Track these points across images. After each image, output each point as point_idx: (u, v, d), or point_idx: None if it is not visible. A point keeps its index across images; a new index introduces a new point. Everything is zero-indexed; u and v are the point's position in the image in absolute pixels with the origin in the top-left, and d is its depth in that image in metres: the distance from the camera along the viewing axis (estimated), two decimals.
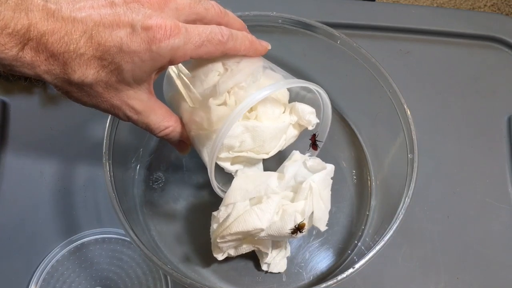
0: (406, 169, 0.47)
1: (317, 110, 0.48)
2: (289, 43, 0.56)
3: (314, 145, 0.51)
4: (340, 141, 0.60)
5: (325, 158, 0.58)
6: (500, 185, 0.58)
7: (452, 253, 0.55)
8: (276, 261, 0.51)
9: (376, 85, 0.52)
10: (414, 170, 0.47)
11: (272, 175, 0.47)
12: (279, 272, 0.51)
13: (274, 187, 0.46)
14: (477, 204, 0.57)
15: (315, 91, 0.46)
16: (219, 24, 0.41)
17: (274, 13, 0.52)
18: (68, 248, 0.52)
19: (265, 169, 0.51)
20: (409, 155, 0.48)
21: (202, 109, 0.43)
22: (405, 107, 0.50)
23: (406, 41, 0.66)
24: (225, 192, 0.47)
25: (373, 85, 0.52)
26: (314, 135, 0.50)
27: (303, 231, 0.45)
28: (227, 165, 0.46)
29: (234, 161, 0.47)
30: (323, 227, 0.46)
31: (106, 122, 0.47)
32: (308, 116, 0.47)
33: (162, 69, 0.39)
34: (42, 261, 0.51)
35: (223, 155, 0.45)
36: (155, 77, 0.40)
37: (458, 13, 0.72)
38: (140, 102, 0.40)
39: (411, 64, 0.65)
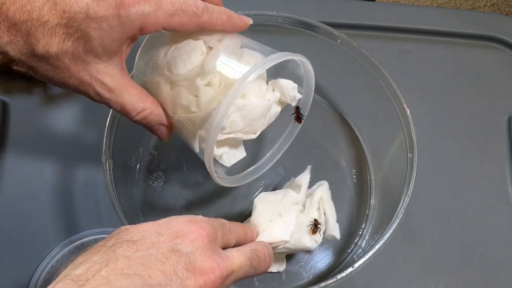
0: (406, 169, 0.47)
1: (296, 81, 0.47)
2: (289, 42, 0.56)
3: (298, 118, 0.51)
4: (340, 140, 0.60)
5: (325, 158, 0.58)
6: (500, 185, 0.58)
7: (452, 253, 0.55)
8: (275, 260, 0.51)
9: (376, 84, 0.52)
10: (413, 170, 0.47)
11: (288, 191, 0.49)
12: (279, 271, 0.51)
13: (295, 198, 0.47)
14: (477, 204, 0.57)
15: (298, 61, 0.45)
16: None
17: (274, 12, 0.52)
18: (68, 248, 0.52)
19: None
20: (408, 155, 0.48)
21: (188, 90, 0.41)
22: (405, 106, 0.50)
23: (406, 41, 0.66)
24: (224, 179, 0.47)
25: (373, 84, 0.52)
26: (298, 107, 0.50)
27: (319, 235, 0.46)
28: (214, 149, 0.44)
29: (219, 144, 0.46)
30: (338, 235, 0.48)
31: (106, 122, 0.47)
32: (292, 91, 0.46)
33: (133, 40, 0.37)
34: (42, 261, 0.51)
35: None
36: (127, 50, 0.38)
37: (458, 13, 0.72)
38: (112, 78, 0.37)
39: (411, 64, 0.65)
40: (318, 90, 0.61)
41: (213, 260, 0.33)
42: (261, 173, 0.52)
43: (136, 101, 0.39)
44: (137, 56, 0.44)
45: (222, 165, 0.47)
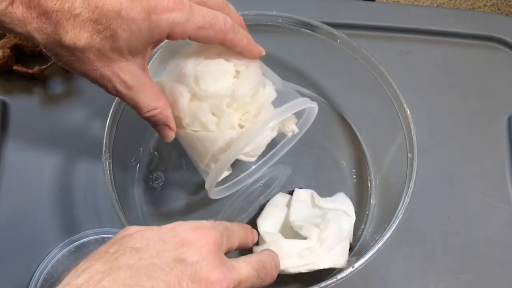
0: (406, 169, 0.48)
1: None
2: (289, 42, 0.56)
3: None
4: (340, 140, 0.60)
5: (325, 157, 0.58)
6: (500, 185, 0.58)
7: (452, 253, 0.55)
8: None
9: (376, 84, 0.52)
10: (413, 170, 0.47)
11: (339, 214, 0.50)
12: None
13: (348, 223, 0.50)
14: (477, 204, 0.57)
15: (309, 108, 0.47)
16: None
17: (274, 12, 0.52)
18: (68, 248, 0.52)
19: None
20: (408, 155, 0.48)
21: (212, 108, 0.42)
22: (405, 106, 0.50)
23: (406, 41, 0.66)
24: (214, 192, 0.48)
25: (373, 84, 0.52)
26: None
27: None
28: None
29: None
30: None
31: (106, 121, 0.47)
32: (292, 125, 0.48)
33: (158, 43, 0.38)
34: (42, 261, 0.51)
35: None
36: (150, 52, 0.39)
37: (458, 13, 0.72)
38: (132, 76, 0.38)
39: (411, 64, 0.65)
40: (318, 90, 0.61)
41: (220, 270, 0.32)
42: (248, 182, 0.55)
43: (150, 100, 0.40)
44: (155, 56, 0.45)
45: None
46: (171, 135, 0.43)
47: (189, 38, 0.38)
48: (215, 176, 0.43)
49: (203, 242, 0.32)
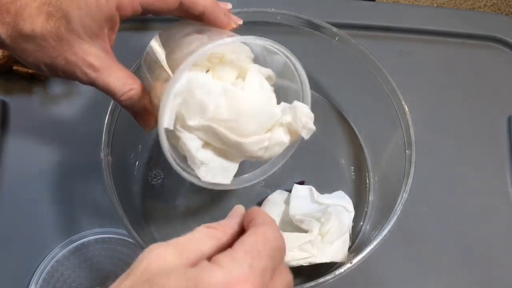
0: (404, 165, 0.48)
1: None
2: (288, 41, 0.56)
3: None
4: (338, 138, 0.60)
5: (324, 155, 0.58)
6: (500, 185, 0.58)
7: (452, 253, 0.55)
8: None
9: (375, 81, 0.52)
10: (412, 167, 0.47)
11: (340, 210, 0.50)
12: None
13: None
14: (477, 204, 0.57)
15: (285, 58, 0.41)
16: None
17: (273, 9, 0.52)
18: (68, 248, 0.52)
19: None
20: (407, 151, 0.48)
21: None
22: (403, 103, 0.50)
23: (406, 41, 0.66)
24: (186, 171, 0.42)
25: (371, 81, 0.52)
26: None
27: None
28: (193, 143, 0.39)
29: (204, 145, 0.41)
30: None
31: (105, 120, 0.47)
32: (305, 118, 0.40)
33: (113, 24, 0.38)
34: (42, 261, 0.51)
35: (194, 121, 0.38)
36: (111, 35, 0.39)
37: (458, 13, 0.72)
38: (97, 58, 0.38)
39: (411, 64, 0.65)
40: (317, 87, 0.61)
41: None
42: (245, 185, 0.48)
43: (123, 81, 0.39)
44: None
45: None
46: (151, 123, 0.42)
47: (142, 7, 0.37)
48: (161, 124, 0.37)
49: None
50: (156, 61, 0.41)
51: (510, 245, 0.55)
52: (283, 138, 0.41)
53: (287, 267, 0.31)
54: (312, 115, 0.42)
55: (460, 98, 0.64)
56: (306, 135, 0.42)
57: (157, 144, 0.57)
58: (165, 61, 0.40)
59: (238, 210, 0.35)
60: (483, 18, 0.70)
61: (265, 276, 0.28)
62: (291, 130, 0.41)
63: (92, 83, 0.39)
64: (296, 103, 0.41)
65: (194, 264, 0.28)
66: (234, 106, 0.38)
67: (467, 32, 0.67)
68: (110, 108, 0.48)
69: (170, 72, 0.39)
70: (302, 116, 0.40)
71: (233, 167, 0.43)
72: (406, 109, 0.49)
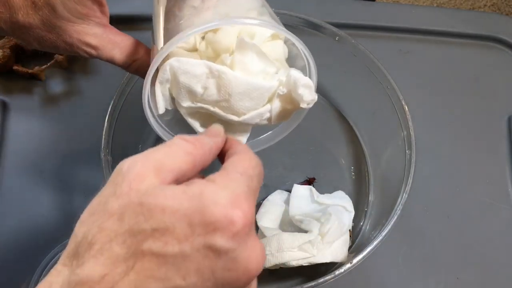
0: (404, 165, 0.48)
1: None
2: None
3: None
4: (338, 137, 0.60)
5: (324, 155, 0.58)
6: (500, 185, 0.58)
7: (452, 253, 0.55)
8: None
9: (375, 81, 0.52)
10: (412, 166, 0.47)
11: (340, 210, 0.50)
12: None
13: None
14: (477, 204, 0.57)
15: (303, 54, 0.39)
16: None
17: (272, 9, 0.52)
18: None
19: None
20: (407, 151, 0.48)
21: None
22: (403, 103, 0.50)
23: (406, 41, 0.66)
24: (169, 133, 0.40)
25: (371, 81, 0.52)
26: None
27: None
28: (194, 123, 0.39)
29: (203, 119, 0.39)
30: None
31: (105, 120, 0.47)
32: (302, 89, 0.37)
33: None
34: (42, 261, 0.51)
35: (185, 103, 0.37)
36: (101, 8, 0.38)
37: (458, 13, 0.72)
38: (94, 36, 0.38)
39: (411, 64, 0.65)
40: (317, 87, 0.61)
41: (256, 254, 0.27)
42: (259, 148, 0.44)
43: (126, 54, 0.39)
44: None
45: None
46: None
47: None
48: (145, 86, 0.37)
49: (239, 226, 0.26)
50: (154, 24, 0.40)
51: (510, 245, 0.55)
52: (286, 106, 0.39)
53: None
54: (311, 84, 0.38)
55: (460, 98, 0.64)
56: (306, 105, 0.38)
57: (157, 144, 0.57)
58: (158, 26, 0.39)
59: (217, 130, 0.35)
60: (483, 18, 0.70)
61: (256, 196, 0.30)
62: (292, 99, 0.39)
63: (97, 58, 0.39)
64: (292, 72, 0.38)
65: (175, 182, 0.28)
66: (223, 86, 0.36)
67: (467, 32, 0.67)
68: (110, 108, 0.48)
69: (160, 42, 0.38)
70: (300, 87, 0.37)
71: (245, 134, 0.41)
72: (406, 108, 0.49)
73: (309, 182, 0.56)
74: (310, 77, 0.40)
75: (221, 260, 0.26)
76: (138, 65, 0.40)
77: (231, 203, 0.26)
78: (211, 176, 0.29)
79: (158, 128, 0.39)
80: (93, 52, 0.39)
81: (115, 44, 0.39)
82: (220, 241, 0.26)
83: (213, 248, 0.26)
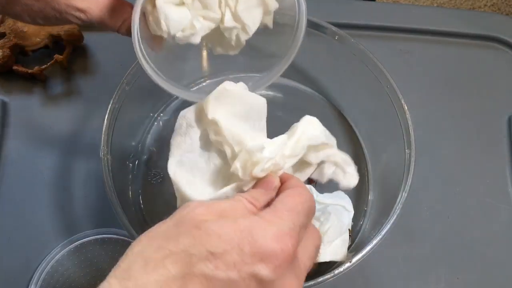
0: (404, 164, 0.48)
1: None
2: None
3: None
4: (338, 137, 0.59)
5: None
6: (500, 185, 0.58)
7: (452, 253, 0.55)
8: None
9: (374, 81, 0.52)
10: (411, 165, 0.47)
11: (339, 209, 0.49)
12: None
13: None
14: (477, 204, 0.57)
15: None
16: None
17: None
18: (68, 248, 0.52)
19: None
20: (406, 150, 0.48)
21: None
22: (403, 102, 0.50)
23: (406, 41, 0.66)
24: (156, 72, 0.40)
25: (371, 81, 0.52)
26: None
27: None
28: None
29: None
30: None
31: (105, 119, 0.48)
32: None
33: None
34: (42, 261, 0.51)
35: None
36: None
37: (458, 13, 0.72)
38: (81, 0, 0.38)
39: (411, 64, 0.65)
40: (316, 86, 0.61)
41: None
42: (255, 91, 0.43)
43: (115, 15, 0.39)
44: None
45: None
46: (159, 44, 0.42)
47: None
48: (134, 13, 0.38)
49: (283, 258, 0.29)
50: None
51: (510, 245, 0.55)
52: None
53: (315, 226, 0.35)
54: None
55: (460, 98, 0.64)
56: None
57: (156, 143, 0.57)
58: None
59: (273, 182, 0.37)
60: (483, 18, 0.70)
61: (301, 232, 0.32)
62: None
63: (88, 24, 0.40)
64: None
65: None
66: None
67: (467, 32, 0.67)
68: (109, 108, 0.48)
69: None
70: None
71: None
72: (406, 107, 0.49)
73: (310, 182, 0.56)
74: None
75: None
76: (128, 25, 0.40)
77: (277, 238, 0.29)
78: (262, 213, 0.31)
79: (146, 66, 0.40)
80: (82, 16, 0.39)
81: (102, 7, 0.39)
82: (264, 271, 0.28)
83: (257, 277, 0.28)
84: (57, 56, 0.59)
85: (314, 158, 0.41)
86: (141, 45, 0.39)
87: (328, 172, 0.42)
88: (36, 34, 0.60)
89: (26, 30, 0.59)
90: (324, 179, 0.43)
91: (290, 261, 0.29)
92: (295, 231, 0.30)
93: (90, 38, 0.63)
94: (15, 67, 0.59)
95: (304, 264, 0.32)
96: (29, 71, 0.59)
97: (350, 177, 0.43)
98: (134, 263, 0.27)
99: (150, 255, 0.27)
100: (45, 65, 0.59)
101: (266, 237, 0.28)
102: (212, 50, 0.45)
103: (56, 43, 0.61)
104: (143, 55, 0.39)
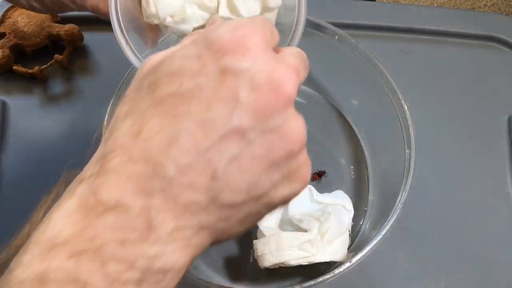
0: (404, 164, 0.48)
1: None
2: None
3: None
4: (338, 137, 0.60)
5: (323, 154, 0.58)
6: (500, 185, 0.58)
7: (452, 253, 0.55)
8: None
9: (374, 80, 0.52)
10: (411, 165, 0.47)
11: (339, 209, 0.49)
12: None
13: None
14: (477, 204, 0.57)
15: None
16: None
17: None
18: None
19: None
20: (406, 150, 0.48)
21: None
22: (403, 103, 0.50)
23: (406, 41, 0.66)
24: (138, 59, 0.39)
25: (371, 81, 0.52)
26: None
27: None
28: None
29: None
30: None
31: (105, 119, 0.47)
32: None
33: None
34: None
35: None
36: None
37: (458, 13, 0.72)
38: None
39: (411, 64, 0.65)
40: (316, 86, 0.61)
41: (280, 69, 0.25)
42: None
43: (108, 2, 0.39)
44: None
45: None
46: (155, 36, 0.41)
47: None
48: None
49: (249, 43, 0.25)
50: None
51: (510, 245, 0.55)
52: None
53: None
54: None
55: (460, 98, 0.63)
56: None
57: None
58: None
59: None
60: (483, 18, 0.70)
61: (266, 28, 0.27)
62: None
63: (83, 9, 0.40)
64: None
65: None
66: None
67: (467, 32, 0.67)
68: (109, 108, 0.48)
69: None
70: None
71: None
72: (406, 107, 0.49)
73: (319, 175, 0.56)
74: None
75: (241, 80, 0.24)
76: (107, 8, 0.39)
77: (233, 27, 0.25)
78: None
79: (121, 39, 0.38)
80: (78, 1, 0.39)
81: None
82: (231, 61, 0.24)
83: (227, 70, 0.24)
84: (57, 56, 0.59)
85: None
86: (119, 14, 0.37)
87: None
88: (36, 34, 0.60)
89: (26, 30, 0.59)
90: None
91: (260, 45, 0.25)
92: (255, 22, 0.26)
93: (90, 38, 0.63)
94: (15, 67, 0.59)
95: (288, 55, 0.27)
96: (29, 71, 0.59)
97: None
98: (111, 125, 0.28)
99: (119, 110, 0.27)
100: (45, 65, 0.59)
101: (221, 33, 0.25)
102: None
103: (56, 43, 0.61)
104: (119, 24, 0.37)
